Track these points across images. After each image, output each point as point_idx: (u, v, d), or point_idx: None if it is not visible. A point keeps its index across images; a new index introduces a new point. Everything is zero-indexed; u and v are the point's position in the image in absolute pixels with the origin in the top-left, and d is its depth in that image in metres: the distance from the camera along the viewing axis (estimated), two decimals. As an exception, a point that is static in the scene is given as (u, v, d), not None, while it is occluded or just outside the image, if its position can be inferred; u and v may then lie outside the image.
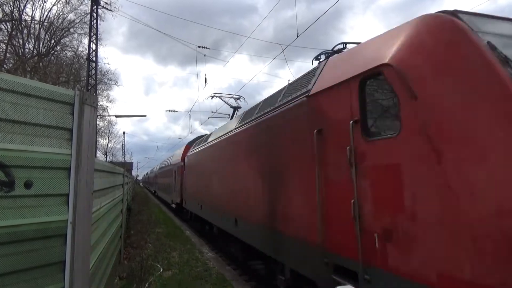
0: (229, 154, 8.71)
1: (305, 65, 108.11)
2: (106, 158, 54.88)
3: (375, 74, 3.55)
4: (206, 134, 14.49)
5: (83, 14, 25.03)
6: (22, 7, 21.74)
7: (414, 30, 3.40)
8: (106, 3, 21.09)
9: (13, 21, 20.93)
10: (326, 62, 4.97)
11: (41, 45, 24.47)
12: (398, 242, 3.13)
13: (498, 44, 2.93)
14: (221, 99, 15.11)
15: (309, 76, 5.28)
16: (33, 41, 24.02)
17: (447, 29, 3.16)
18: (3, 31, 21.25)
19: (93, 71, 20.18)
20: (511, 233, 2.43)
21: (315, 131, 4.40)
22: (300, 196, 4.95)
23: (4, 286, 2.12)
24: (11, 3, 20.43)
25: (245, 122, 7.59)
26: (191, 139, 19.81)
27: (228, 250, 9.81)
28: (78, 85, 26.24)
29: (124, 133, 63.54)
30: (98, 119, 29.26)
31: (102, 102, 33.93)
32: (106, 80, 31.74)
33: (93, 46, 19.73)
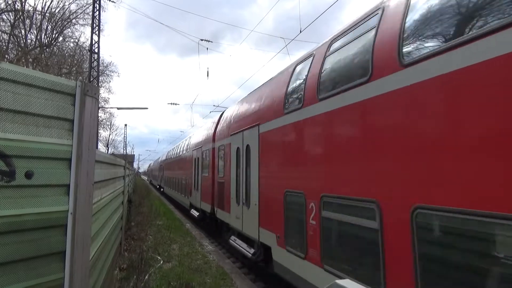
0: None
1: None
2: (108, 150, 55.03)
3: None
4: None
5: (85, 5, 24.94)
6: (25, -3, 21.64)
7: None
8: (109, -6, 20.98)
9: (16, 11, 20.84)
10: None
11: (43, 36, 24.41)
12: None
13: None
14: None
15: None
16: (35, 31, 23.96)
17: None
18: (6, 22, 21.18)
19: (95, 63, 20.13)
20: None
21: None
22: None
23: (5, 275, 2.13)
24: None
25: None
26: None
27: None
28: (80, 77, 26.21)
29: (125, 125, 63.53)
30: (99, 111, 29.30)
31: (103, 94, 33.95)
32: (108, 72, 31.72)
33: (95, 37, 19.67)
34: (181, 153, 19.54)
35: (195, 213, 14.54)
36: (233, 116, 9.71)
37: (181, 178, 19.00)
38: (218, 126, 11.36)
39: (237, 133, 8.69)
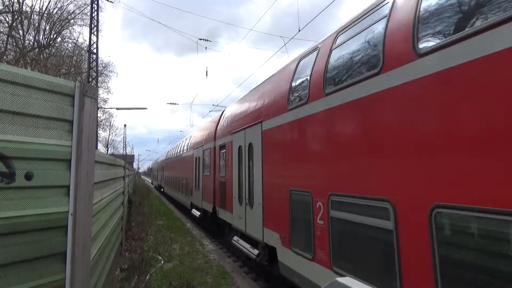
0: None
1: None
2: (107, 150, 54.98)
3: None
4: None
5: (83, 5, 24.89)
6: (22, -2, 21.58)
7: None
8: (107, -6, 20.93)
9: (13, 12, 20.79)
10: None
11: (41, 37, 24.36)
12: None
13: None
14: None
15: None
16: (33, 32, 23.91)
17: None
18: (3, 23, 21.13)
19: (94, 63, 20.08)
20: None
21: None
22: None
23: (6, 277, 2.13)
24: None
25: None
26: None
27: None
28: (79, 78, 26.18)
29: (125, 125, 63.38)
30: (99, 111, 29.29)
31: (102, 94, 33.92)
32: (106, 72, 31.69)
33: (93, 38, 19.62)
34: (181, 152, 19.89)
35: (196, 213, 14.67)
36: (234, 114, 9.65)
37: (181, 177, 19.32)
38: (219, 125, 11.30)
39: (238, 131, 8.60)
